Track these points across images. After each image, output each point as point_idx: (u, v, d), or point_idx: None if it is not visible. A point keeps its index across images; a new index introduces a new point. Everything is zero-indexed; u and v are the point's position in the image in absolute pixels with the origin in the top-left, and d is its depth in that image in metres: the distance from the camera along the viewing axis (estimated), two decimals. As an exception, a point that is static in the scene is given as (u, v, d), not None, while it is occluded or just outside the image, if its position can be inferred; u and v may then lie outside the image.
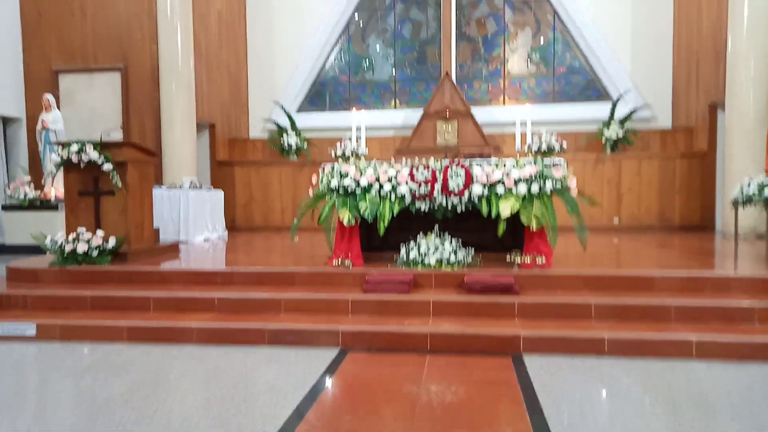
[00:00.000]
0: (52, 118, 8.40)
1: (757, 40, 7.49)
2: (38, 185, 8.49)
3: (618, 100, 9.96)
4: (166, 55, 8.95)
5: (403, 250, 5.10)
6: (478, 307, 4.38)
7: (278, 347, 4.10)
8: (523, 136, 5.42)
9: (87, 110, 9.34)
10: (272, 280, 5.05)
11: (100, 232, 5.44)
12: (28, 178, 8.42)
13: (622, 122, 9.69)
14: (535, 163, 4.94)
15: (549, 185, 4.83)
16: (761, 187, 5.18)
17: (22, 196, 8.18)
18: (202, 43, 9.97)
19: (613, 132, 9.55)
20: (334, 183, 5.14)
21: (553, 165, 4.96)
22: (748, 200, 5.44)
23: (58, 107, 8.97)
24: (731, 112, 7.84)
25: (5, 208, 8.36)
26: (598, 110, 10.35)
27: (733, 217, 6.49)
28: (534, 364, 3.73)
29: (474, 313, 4.36)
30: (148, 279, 5.16)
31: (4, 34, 9.30)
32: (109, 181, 5.53)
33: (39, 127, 8.46)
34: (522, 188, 4.86)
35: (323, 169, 5.30)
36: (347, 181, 5.08)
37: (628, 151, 9.71)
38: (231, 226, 10.13)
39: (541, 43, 11.02)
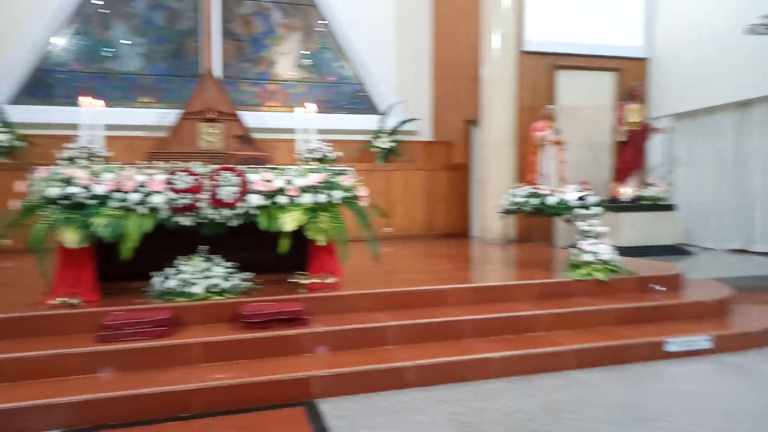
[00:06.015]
0: None
1: (506, 69, 8.36)
2: None
3: (387, 112, 10.12)
4: None
5: (157, 278, 3.93)
6: (261, 344, 3.54)
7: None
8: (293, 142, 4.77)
9: None
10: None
11: None
12: None
13: (391, 133, 9.84)
14: (322, 170, 4.31)
15: (338, 195, 4.24)
16: (530, 197, 5.47)
17: None
18: None
19: (384, 143, 9.62)
20: (53, 192, 3.71)
21: (340, 173, 4.41)
22: (517, 210, 5.73)
23: None
24: (487, 129, 8.52)
25: None
26: (369, 121, 10.34)
27: (488, 224, 6.83)
28: (331, 411, 3.06)
29: (258, 353, 3.51)
30: None
31: None
32: None
33: None
34: (307, 198, 4.18)
35: (34, 173, 3.81)
36: (73, 189, 3.72)
37: (397, 162, 9.90)
38: None
39: (312, 49, 10.63)
